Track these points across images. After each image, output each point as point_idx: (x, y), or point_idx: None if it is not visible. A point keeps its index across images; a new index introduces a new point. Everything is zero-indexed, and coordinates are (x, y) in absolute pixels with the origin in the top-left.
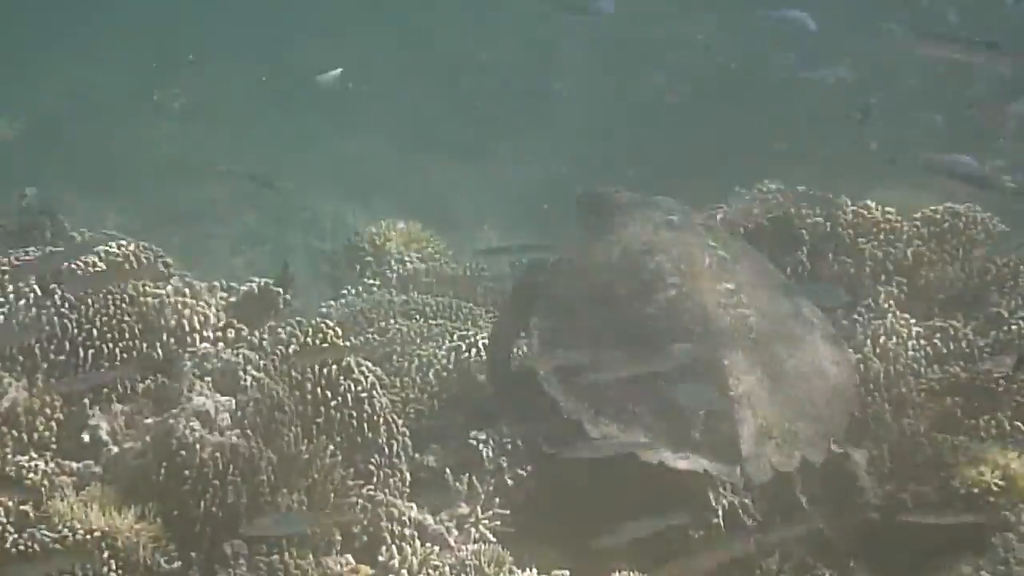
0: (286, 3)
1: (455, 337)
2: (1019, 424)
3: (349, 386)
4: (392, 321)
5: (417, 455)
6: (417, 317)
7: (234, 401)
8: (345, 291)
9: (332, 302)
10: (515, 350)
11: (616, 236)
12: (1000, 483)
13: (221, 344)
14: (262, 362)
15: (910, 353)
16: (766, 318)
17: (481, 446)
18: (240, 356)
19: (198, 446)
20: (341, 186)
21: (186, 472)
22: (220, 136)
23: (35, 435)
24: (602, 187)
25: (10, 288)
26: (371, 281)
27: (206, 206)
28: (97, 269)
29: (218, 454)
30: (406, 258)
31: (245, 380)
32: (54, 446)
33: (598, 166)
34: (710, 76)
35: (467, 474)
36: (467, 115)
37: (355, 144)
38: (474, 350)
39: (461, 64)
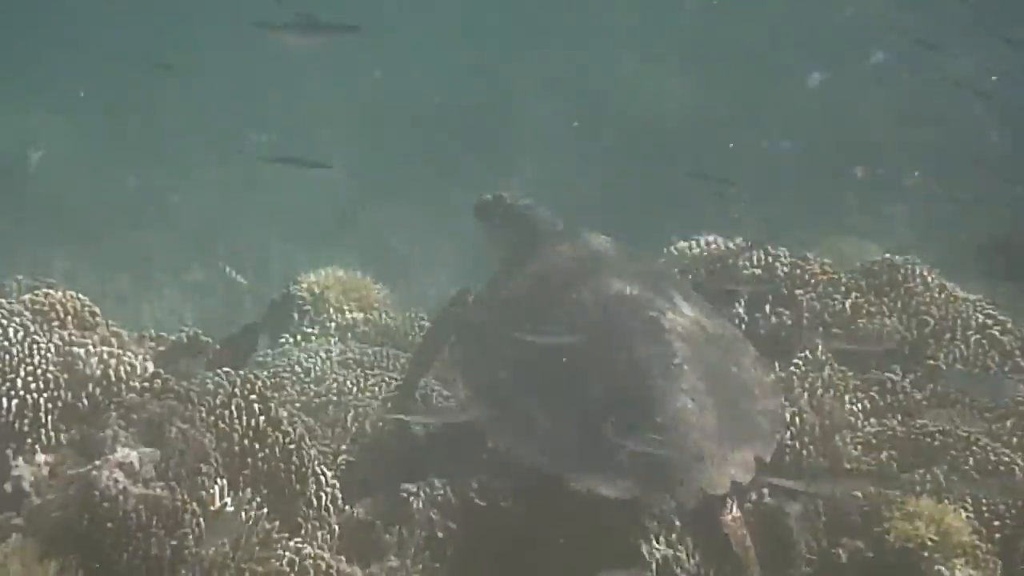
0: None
1: (392, 387)
2: (954, 478)
3: (277, 438)
4: (329, 371)
5: (347, 507)
6: (354, 367)
7: (159, 452)
8: (283, 339)
9: (269, 351)
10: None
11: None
12: (934, 538)
13: (147, 395)
14: (187, 413)
15: (847, 406)
16: (697, 335)
17: (411, 498)
18: (165, 407)
19: (121, 498)
20: (294, 229)
21: (109, 524)
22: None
23: None
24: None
25: None
26: (309, 330)
27: (156, 251)
28: (23, 318)
29: (142, 506)
30: (345, 307)
31: (170, 431)
32: None
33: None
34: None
35: (397, 526)
36: (424, 161)
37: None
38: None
39: (419, 110)
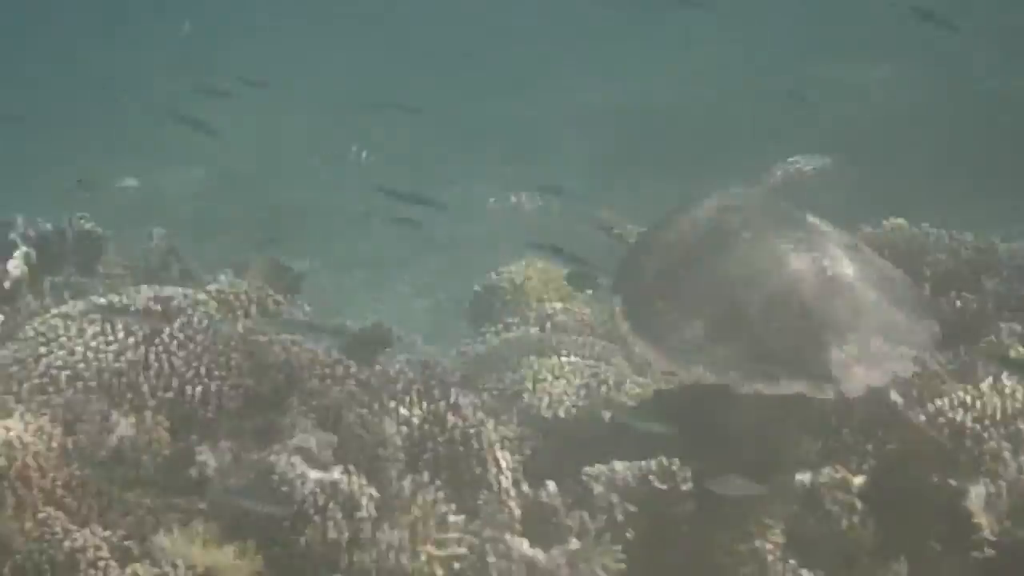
0: None
1: (587, 374)
2: None
3: (457, 422)
4: (527, 358)
5: (530, 491)
6: (551, 355)
7: (337, 437)
8: (484, 328)
9: (469, 340)
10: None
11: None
12: None
13: (328, 381)
14: (366, 398)
15: None
16: (844, 266)
17: (593, 482)
18: (344, 393)
19: (299, 482)
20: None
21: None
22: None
23: (141, 472)
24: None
25: (120, 325)
26: (510, 319)
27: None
28: (208, 307)
29: (319, 490)
30: (544, 296)
31: (348, 417)
32: (161, 483)
33: None
34: None
35: (579, 511)
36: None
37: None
38: (604, 387)
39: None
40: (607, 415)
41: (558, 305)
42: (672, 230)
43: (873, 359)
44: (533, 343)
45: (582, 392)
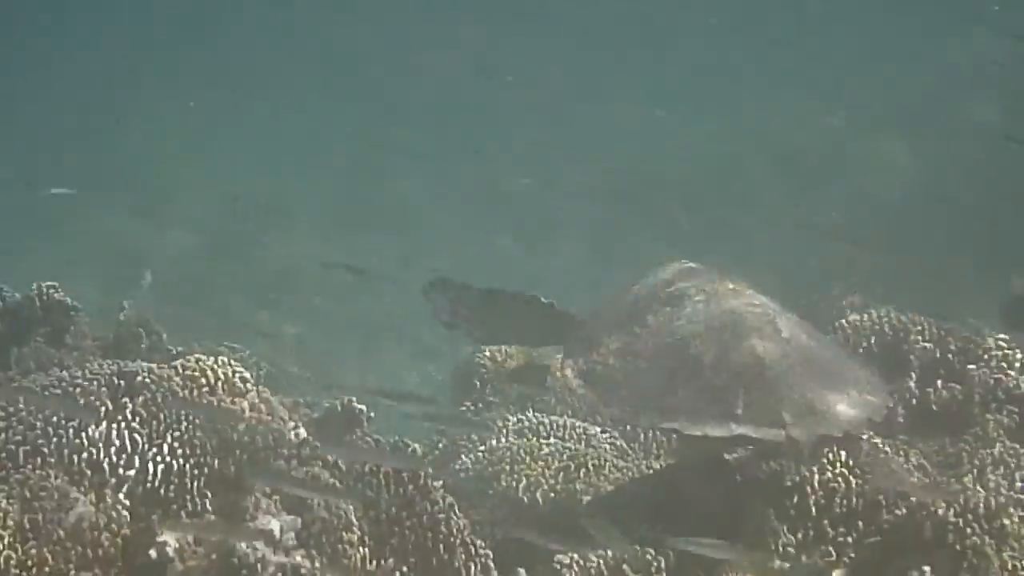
0: None
1: (565, 457)
2: None
3: (426, 506)
4: (503, 440)
5: None
6: (529, 436)
7: (300, 520)
8: (464, 407)
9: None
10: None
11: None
12: None
13: (294, 462)
14: (331, 480)
15: (1018, 484)
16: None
17: (564, 570)
18: (309, 475)
19: (259, 566)
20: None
21: None
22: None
23: (100, 551)
24: None
25: (81, 401)
26: (491, 398)
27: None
28: (172, 383)
29: (280, 574)
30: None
31: (312, 499)
32: (119, 563)
33: None
34: None
35: None
36: None
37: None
38: (583, 471)
39: None
40: (587, 499)
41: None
42: (624, 297)
43: (827, 411)
44: (511, 424)
45: (560, 476)
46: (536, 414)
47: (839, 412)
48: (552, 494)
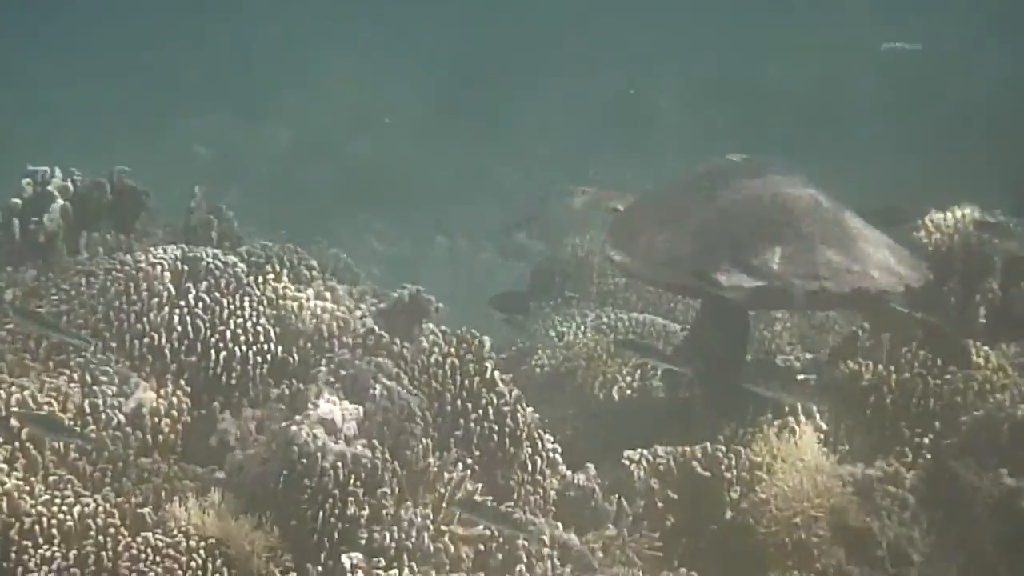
0: None
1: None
2: None
3: (492, 399)
4: (582, 336)
5: (569, 473)
6: (608, 333)
7: (362, 410)
8: (544, 303)
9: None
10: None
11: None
12: None
13: (359, 351)
14: (395, 370)
15: None
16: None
17: (633, 466)
18: (373, 364)
19: (319, 455)
20: None
21: (306, 481)
22: None
23: (160, 437)
24: None
25: (144, 287)
26: (571, 294)
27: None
28: (236, 269)
29: (339, 463)
30: (608, 272)
31: (375, 389)
32: (179, 449)
33: None
34: None
35: (616, 495)
36: None
37: None
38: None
39: None
40: (660, 395)
41: (622, 281)
42: (661, 187)
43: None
44: (589, 320)
45: (637, 373)
46: (615, 311)
47: (874, 273)
48: (628, 391)
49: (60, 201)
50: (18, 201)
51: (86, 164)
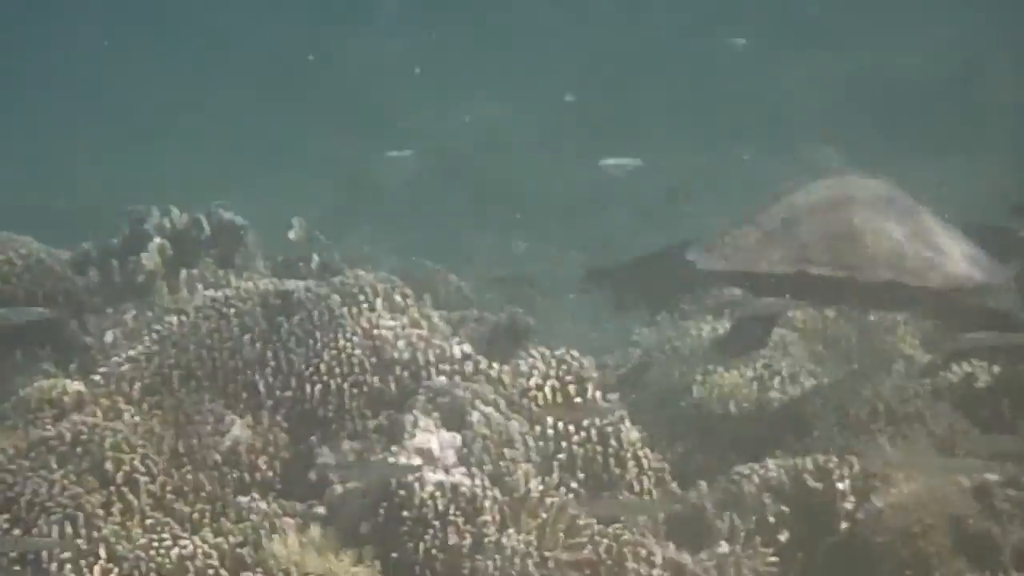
0: None
1: (759, 365)
2: None
3: (595, 420)
4: (698, 351)
5: (679, 491)
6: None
7: (460, 437)
8: (658, 315)
9: (645, 329)
10: None
11: None
12: None
13: (457, 378)
14: (492, 396)
15: None
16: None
17: (744, 481)
18: (470, 390)
19: (417, 485)
20: None
21: (404, 512)
22: None
23: (257, 474)
24: None
25: (235, 322)
26: (686, 306)
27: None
28: (329, 301)
29: (438, 493)
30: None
31: (472, 415)
32: (278, 486)
33: None
34: None
35: (729, 512)
36: None
37: None
38: (777, 379)
39: None
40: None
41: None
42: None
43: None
44: (706, 334)
45: (754, 385)
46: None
47: (950, 269)
48: (745, 404)
49: (157, 239)
50: (115, 240)
51: (216, 193)
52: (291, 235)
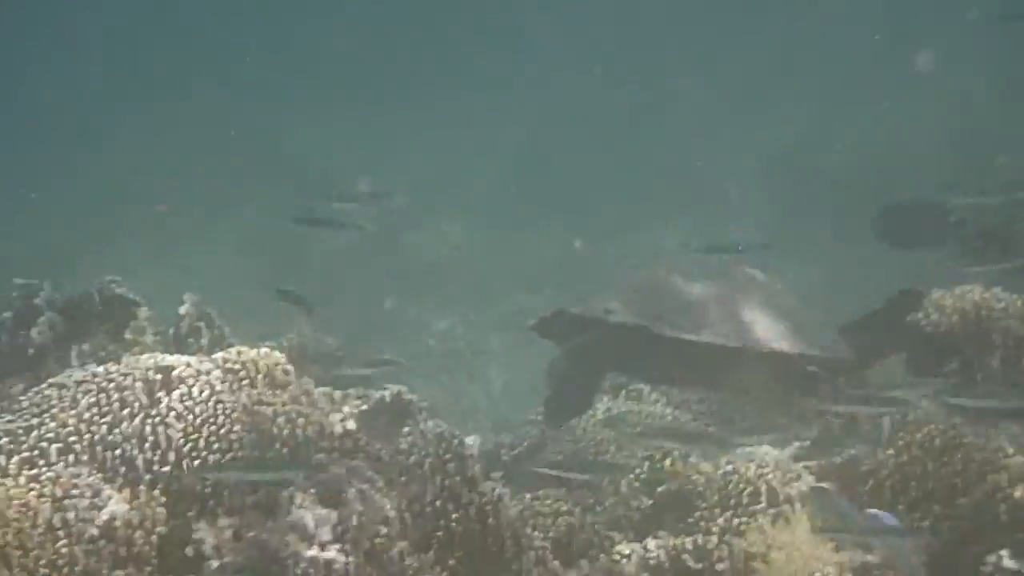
0: None
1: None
2: None
3: (474, 498)
4: (591, 429)
5: (560, 570)
6: (619, 425)
7: (335, 514)
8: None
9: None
10: None
11: None
12: None
13: (335, 455)
14: (369, 473)
15: None
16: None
17: (624, 561)
18: (346, 467)
19: (291, 561)
20: None
21: None
22: None
23: (134, 549)
24: None
25: (115, 396)
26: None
27: None
28: (210, 377)
29: (312, 570)
30: None
31: (348, 493)
32: (155, 561)
33: None
34: None
35: None
36: None
37: None
38: (668, 460)
39: None
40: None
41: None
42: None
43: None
44: (600, 413)
45: (645, 464)
46: (629, 401)
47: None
48: (636, 483)
49: (48, 314)
50: (6, 314)
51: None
52: (181, 310)
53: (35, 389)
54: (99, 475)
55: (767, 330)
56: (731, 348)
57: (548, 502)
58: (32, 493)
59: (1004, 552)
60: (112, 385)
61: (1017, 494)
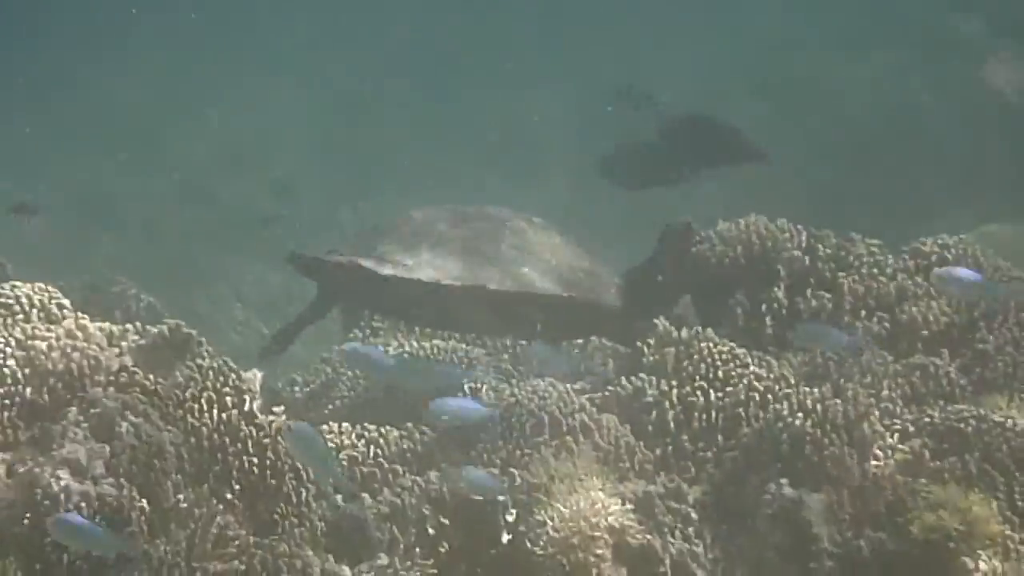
0: None
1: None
2: (986, 466)
3: (251, 432)
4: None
5: (341, 504)
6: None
7: (108, 448)
8: (351, 333)
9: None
10: None
11: None
12: (960, 528)
13: (110, 389)
14: (143, 407)
15: (884, 392)
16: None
17: (405, 494)
18: (119, 401)
19: (62, 496)
20: None
21: None
22: None
23: None
24: None
25: None
26: (378, 323)
27: None
28: None
29: (83, 504)
30: None
31: (121, 426)
32: None
33: None
34: None
35: (389, 524)
36: None
37: None
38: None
39: None
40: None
41: None
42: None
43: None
44: (393, 351)
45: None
46: (420, 340)
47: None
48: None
49: None
50: None
51: None
52: None
53: None
54: None
55: (501, 271)
56: (455, 287)
57: (330, 436)
58: None
59: (784, 480)
60: None
61: (797, 423)
